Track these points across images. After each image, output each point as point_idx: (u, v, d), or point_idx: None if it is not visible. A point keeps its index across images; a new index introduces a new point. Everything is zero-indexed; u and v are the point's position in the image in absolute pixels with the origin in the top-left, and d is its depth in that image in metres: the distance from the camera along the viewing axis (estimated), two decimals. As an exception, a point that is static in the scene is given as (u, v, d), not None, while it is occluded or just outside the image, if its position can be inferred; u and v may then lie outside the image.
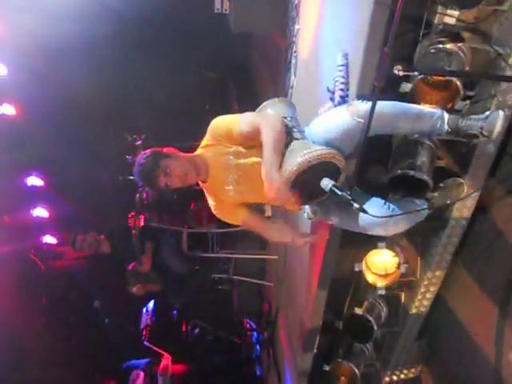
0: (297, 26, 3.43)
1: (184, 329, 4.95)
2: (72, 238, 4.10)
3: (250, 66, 6.69)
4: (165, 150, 2.19)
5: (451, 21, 1.99)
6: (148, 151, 2.18)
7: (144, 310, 4.48)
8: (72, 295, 6.36)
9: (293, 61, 3.53)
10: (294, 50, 3.52)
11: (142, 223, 4.16)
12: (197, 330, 5.15)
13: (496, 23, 2.08)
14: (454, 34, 2.09)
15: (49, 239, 6.43)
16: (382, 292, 2.84)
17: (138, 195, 5.49)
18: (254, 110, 2.33)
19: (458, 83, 2.06)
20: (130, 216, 4.16)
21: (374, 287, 2.89)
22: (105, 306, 4.38)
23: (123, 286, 4.50)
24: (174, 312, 4.80)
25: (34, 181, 6.09)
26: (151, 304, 4.50)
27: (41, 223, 6.28)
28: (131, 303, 4.86)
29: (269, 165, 1.93)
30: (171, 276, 4.65)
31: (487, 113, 2.04)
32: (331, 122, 2.09)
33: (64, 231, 5.84)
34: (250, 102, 5.48)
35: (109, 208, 6.22)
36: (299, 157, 1.86)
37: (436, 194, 2.38)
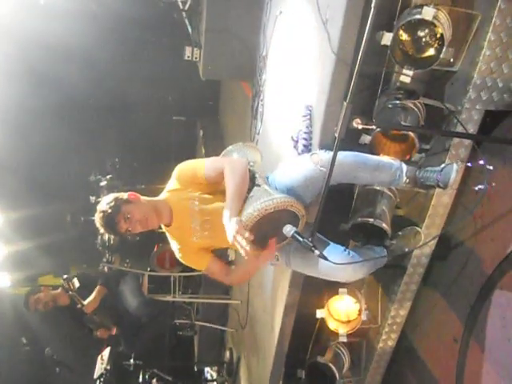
0: (264, 76, 3.56)
1: (141, 379, 4.72)
2: (24, 299, 3.90)
3: (218, 111, 6.83)
4: (126, 195, 2.18)
5: (407, 79, 2.13)
6: (110, 197, 2.17)
7: (99, 358, 4.26)
8: (21, 341, 6.00)
9: (260, 109, 3.64)
10: (262, 98, 3.63)
11: (76, 284, 4.04)
12: (154, 381, 4.91)
13: (448, 83, 2.24)
14: (409, 91, 2.23)
15: (2, 279, 6.12)
16: (344, 339, 2.83)
17: (99, 237, 5.36)
18: (220, 154, 2.37)
19: (414, 137, 2.18)
20: (63, 279, 4.03)
21: (336, 334, 2.88)
22: (57, 353, 4.15)
23: (80, 332, 4.31)
24: (131, 360, 4.58)
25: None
26: (106, 352, 4.29)
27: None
28: (86, 351, 4.63)
29: (229, 210, 1.94)
30: (130, 321, 4.49)
31: (442, 165, 2.16)
32: (294, 170, 2.15)
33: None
34: (217, 146, 5.57)
35: (69, 250, 6.04)
36: (258, 204, 1.89)
37: (394, 242, 2.45)
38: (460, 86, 2.16)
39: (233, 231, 1.86)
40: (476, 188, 2.03)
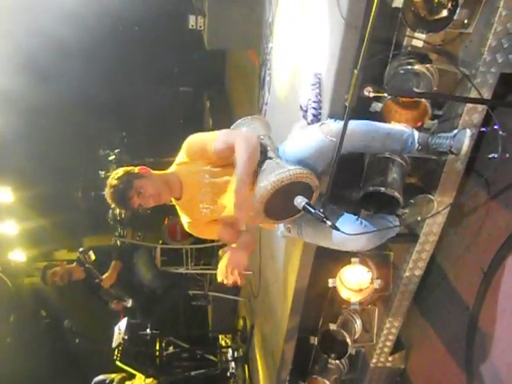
0: (271, 45, 3.47)
1: (158, 347, 4.85)
2: (41, 274, 3.97)
3: (225, 82, 6.73)
4: (137, 169, 2.15)
5: (419, 43, 2.06)
6: (120, 171, 2.12)
7: (116, 328, 4.37)
8: (41, 314, 6.18)
9: (267, 78, 3.57)
10: (268, 67, 3.56)
11: (92, 257, 4.13)
12: (171, 348, 5.05)
13: (461, 46, 2.16)
14: (421, 56, 2.16)
15: (17, 255, 6.25)
16: (356, 307, 2.86)
17: (110, 211, 5.41)
18: (228, 126, 2.34)
19: (427, 103, 2.13)
20: (79, 252, 4.12)
21: (348, 302, 2.91)
22: (75, 325, 4.26)
23: (96, 304, 4.42)
24: (148, 330, 4.70)
25: (3, 195, 5.92)
26: (124, 322, 4.39)
27: (9, 239, 6.11)
28: (103, 322, 4.76)
29: (241, 183, 1.93)
30: (144, 293, 4.58)
31: (455, 131, 2.11)
32: (304, 141, 2.12)
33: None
34: (224, 117, 5.51)
35: (81, 224, 6.11)
36: (272, 176, 1.87)
37: (407, 211, 2.43)
38: (474, 48, 2.08)
39: (240, 207, 1.87)
40: (489, 156, 1.99)
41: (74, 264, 4.13)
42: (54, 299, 5.23)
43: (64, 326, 4.24)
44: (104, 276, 4.14)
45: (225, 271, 2.07)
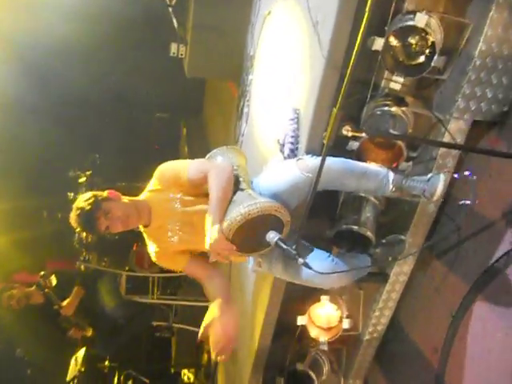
0: (251, 77, 3.50)
1: (116, 381, 4.61)
2: None
3: (202, 110, 6.75)
4: (106, 193, 2.09)
5: (396, 86, 2.10)
6: (87, 194, 2.07)
7: (73, 359, 4.15)
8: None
9: (245, 109, 3.58)
10: (247, 99, 3.57)
11: (53, 282, 3.96)
12: (130, 383, 4.82)
13: (437, 91, 2.22)
14: (398, 99, 2.20)
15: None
16: (325, 347, 2.79)
17: (76, 234, 5.22)
18: (204, 154, 2.30)
19: (402, 145, 2.16)
20: (40, 276, 3.94)
21: (316, 341, 2.84)
22: (28, 354, 4.02)
23: (53, 331, 4.19)
24: (106, 362, 4.48)
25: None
26: (81, 353, 4.18)
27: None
28: (59, 352, 4.51)
29: (212, 214, 1.88)
30: (106, 322, 4.38)
31: (429, 175, 2.13)
32: (280, 175, 2.10)
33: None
34: (200, 145, 5.49)
35: (45, 246, 5.87)
36: (242, 208, 1.84)
37: (378, 250, 2.43)
38: (449, 94, 2.14)
39: (213, 240, 1.81)
40: (460, 202, 2.02)
41: (34, 287, 3.93)
42: (6, 324, 4.93)
43: (16, 355, 3.99)
44: (64, 303, 3.94)
45: (221, 348, 1.96)
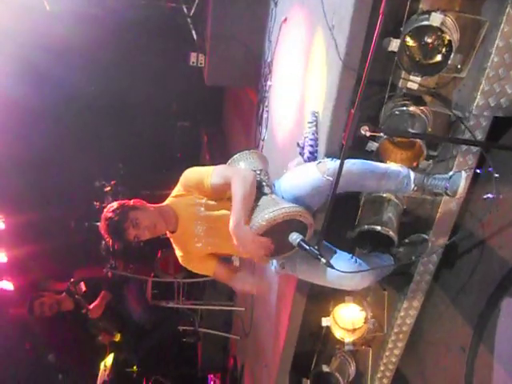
0: (269, 83, 3.55)
1: (144, 386, 4.70)
2: (28, 305, 3.87)
3: (222, 118, 6.83)
4: (132, 202, 2.15)
5: (414, 86, 2.10)
6: (114, 204, 2.13)
7: (102, 364, 4.24)
8: (25, 347, 5.97)
9: (265, 115, 3.63)
10: (266, 104, 3.62)
11: (83, 289, 4.06)
12: (158, 388, 4.90)
13: (455, 89, 2.22)
14: (416, 98, 2.21)
15: (5, 285, 6.11)
16: (350, 348, 2.79)
17: (103, 242, 5.34)
18: (225, 160, 2.35)
19: (422, 144, 2.16)
20: (70, 282, 4.05)
21: (341, 342, 2.85)
22: (59, 360, 4.13)
23: (83, 338, 4.30)
24: (135, 367, 4.55)
25: (-5, 224, 5.84)
26: (109, 358, 4.26)
27: (-2, 268, 5.98)
28: (89, 357, 4.61)
29: (237, 219, 1.92)
30: (133, 327, 4.47)
31: (450, 173, 2.14)
32: (301, 179, 2.12)
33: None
34: (221, 152, 5.56)
35: (73, 255, 6.02)
36: (266, 214, 1.88)
37: (401, 250, 2.43)
38: (468, 92, 2.14)
39: (247, 238, 1.85)
40: (484, 196, 2.01)
41: (64, 294, 4.05)
42: (38, 332, 5.07)
43: (47, 360, 4.11)
44: (91, 306, 4.04)
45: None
